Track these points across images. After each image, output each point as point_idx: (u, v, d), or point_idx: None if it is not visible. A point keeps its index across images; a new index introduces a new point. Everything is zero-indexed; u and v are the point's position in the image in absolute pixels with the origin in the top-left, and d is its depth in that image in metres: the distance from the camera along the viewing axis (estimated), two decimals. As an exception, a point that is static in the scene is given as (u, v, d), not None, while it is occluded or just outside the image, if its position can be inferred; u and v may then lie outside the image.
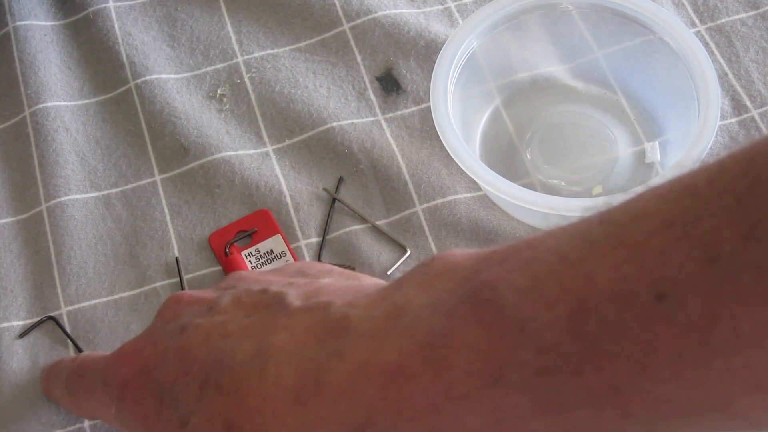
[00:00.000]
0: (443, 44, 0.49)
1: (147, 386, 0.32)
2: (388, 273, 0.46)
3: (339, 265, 0.46)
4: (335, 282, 0.32)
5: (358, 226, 0.48)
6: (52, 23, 0.56)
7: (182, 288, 0.46)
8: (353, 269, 0.46)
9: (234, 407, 0.29)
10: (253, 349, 0.29)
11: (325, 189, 0.49)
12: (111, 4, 0.56)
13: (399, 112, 0.51)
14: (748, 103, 0.50)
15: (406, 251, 0.47)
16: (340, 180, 0.49)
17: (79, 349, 0.45)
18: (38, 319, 0.46)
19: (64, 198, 0.49)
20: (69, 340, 0.45)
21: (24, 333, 0.45)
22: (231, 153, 0.50)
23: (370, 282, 0.32)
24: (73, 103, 0.53)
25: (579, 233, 0.25)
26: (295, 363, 0.28)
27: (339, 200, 0.48)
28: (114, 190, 0.50)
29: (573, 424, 0.25)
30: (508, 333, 0.24)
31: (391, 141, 0.50)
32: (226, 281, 0.36)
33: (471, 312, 0.25)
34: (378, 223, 0.48)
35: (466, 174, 0.45)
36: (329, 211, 0.48)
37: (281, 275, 0.34)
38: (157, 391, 0.31)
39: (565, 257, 0.24)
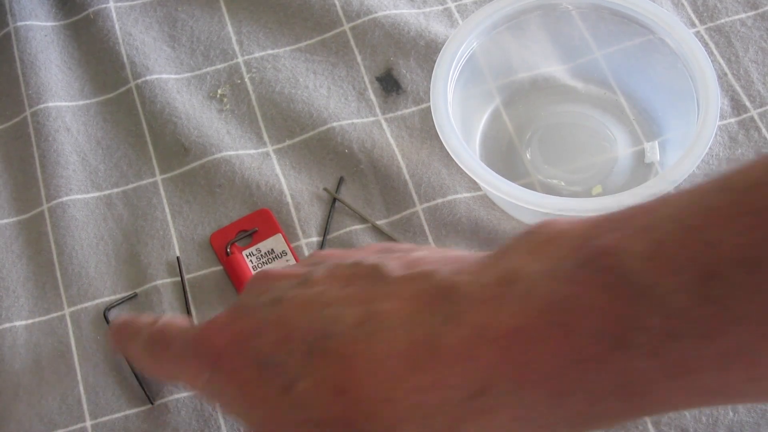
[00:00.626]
0: (443, 44, 0.49)
1: (244, 355, 0.32)
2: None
3: None
4: (430, 254, 0.32)
5: (358, 226, 0.48)
6: (53, 23, 0.56)
7: (183, 289, 0.46)
8: None
9: (344, 372, 0.29)
10: (360, 316, 0.29)
11: (325, 189, 0.49)
12: (111, 5, 0.56)
13: (399, 112, 0.52)
14: (748, 103, 0.50)
15: (406, 251, 0.47)
16: (341, 180, 0.49)
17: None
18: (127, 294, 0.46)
19: (65, 198, 0.49)
20: (72, 341, 0.45)
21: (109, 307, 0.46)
22: (232, 153, 0.50)
23: (464, 253, 0.32)
24: (73, 103, 0.53)
25: (696, 200, 0.25)
26: (406, 328, 0.28)
27: (340, 200, 0.48)
28: (115, 190, 0.50)
29: (698, 386, 0.25)
30: (633, 298, 0.24)
31: (391, 141, 0.50)
32: (310, 258, 0.36)
33: (593, 278, 0.25)
34: (378, 222, 0.48)
35: (466, 174, 0.45)
36: (330, 211, 0.48)
37: (367, 252, 0.34)
38: (255, 360, 0.31)
39: (685, 224, 0.24)
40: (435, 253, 0.32)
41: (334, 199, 0.48)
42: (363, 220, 0.48)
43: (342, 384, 0.29)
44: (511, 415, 0.27)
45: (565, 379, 0.26)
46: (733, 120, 0.50)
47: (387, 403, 0.28)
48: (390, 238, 0.47)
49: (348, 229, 0.48)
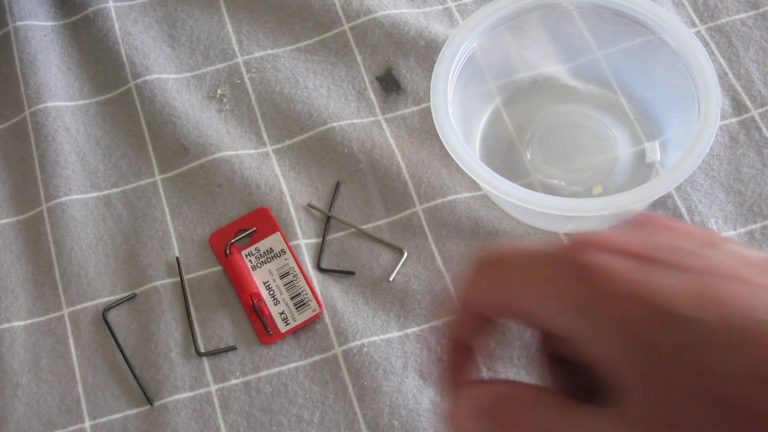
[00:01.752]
0: (443, 44, 0.49)
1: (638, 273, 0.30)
2: (390, 279, 0.46)
3: (337, 271, 0.46)
4: None
5: (357, 229, 0.48)
6: (52, 23, 0.56)
7: (183, 289, 0.46)
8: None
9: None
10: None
11: (310, 205, 0.49)
12: (111, 4, 0.56)
13: (399, 112, 0.51)
14: (749, 103, 0.50)
15: (403, 253, 0.47)
16: (338, 185, 0.49)
17: (122, 351, 0.45)
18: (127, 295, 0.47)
19: (64, 198, 0.49)
20: (71, 342, 0.45)
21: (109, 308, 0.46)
22: (231, 152, 0.50)
23: None
24: (73, 103, 0.53)
25: None
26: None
27: (332, 216, 0.48)
28: (114, 190, 0.50)
29: None
30: None
31: (391, 141, 0.50)
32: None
33: None
34: (378, 223, 0.48)
35: (466, 174, 0.45)
36: (326, 226, 0.48)
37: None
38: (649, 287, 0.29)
39: None
40: None
41: (329, 218, 0.48)
42: (363, 221, 0.48)
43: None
44: None
45: None
46: (734, 120, 0.50)
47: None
48: (387, 245, 0.47)
49: (347, 231, 0.48)
